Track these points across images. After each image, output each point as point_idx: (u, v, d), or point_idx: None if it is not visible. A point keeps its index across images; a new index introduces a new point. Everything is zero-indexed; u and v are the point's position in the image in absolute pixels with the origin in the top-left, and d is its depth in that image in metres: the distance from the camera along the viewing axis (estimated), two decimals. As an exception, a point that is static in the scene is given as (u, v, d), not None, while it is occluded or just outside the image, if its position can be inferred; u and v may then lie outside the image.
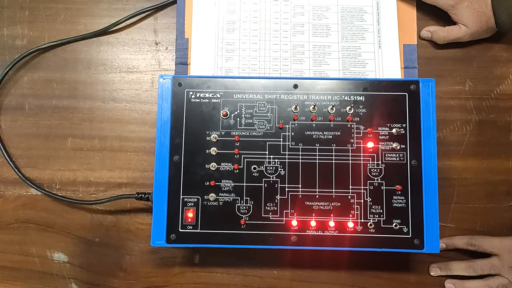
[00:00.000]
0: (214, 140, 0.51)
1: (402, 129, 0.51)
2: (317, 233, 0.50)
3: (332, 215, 0.50)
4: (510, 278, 0.52)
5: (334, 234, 0.49)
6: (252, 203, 0.50)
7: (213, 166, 0.50)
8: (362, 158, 0.51)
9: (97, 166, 0.58)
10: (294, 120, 0.51)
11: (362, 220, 0.50)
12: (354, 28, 0.59)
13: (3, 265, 0.56)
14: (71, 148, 0.58)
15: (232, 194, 0.50)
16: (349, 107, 0.51)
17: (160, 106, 0.52)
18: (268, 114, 0.51)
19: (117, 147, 0.58)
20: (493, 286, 0.52)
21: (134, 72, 0.60)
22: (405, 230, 0.49)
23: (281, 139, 0.51)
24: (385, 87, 0.51)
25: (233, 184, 0.50)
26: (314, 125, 0.51)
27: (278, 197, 0.50)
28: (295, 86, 0.52)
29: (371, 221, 0.49)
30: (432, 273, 0.55)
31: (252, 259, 0.56)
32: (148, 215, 0.56)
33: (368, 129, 0.51)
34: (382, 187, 0.50)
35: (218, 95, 0.52)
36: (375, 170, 0.50)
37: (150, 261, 0.56)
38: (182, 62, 0.58)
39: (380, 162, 0.50)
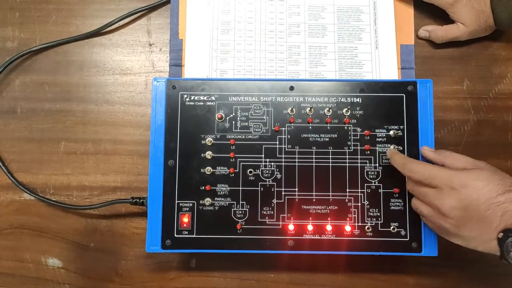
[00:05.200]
0: (209, 144, 0.50)
1: (399, 131, 0.50)
2: (314, 237, 0.49)
3: (329, 218, 0.49)
4: (435, 215, 0.43)
5: (332, 238, 0.49)
6: (248, 207, 0.49)
7: (208, 170, 0.50)
8: (359, 160, 0.50)
9: (91, 170, 0.57)
10: (290, 122, 0.51)
11: (360, 224, 0.49)
12: (351, 29, 0.58)
13: (-3, 271, 0.56)
14: (65, 152, 0.57)
15: (228, 199, 0.50)
16: (346, 109, 0.50)
17: (154, 109, 0.51)
18: (264, 117, 0.51)
19: (111, 150, 0.57)
20: (415, 205, 0.46)
21: (127, 74, 0.59)
22: (402, 233, 0.49)
23: (277, 142, 0.50)
24: (382, 88, 0.51)
25: (228, 188, 0.50)
26: (310, 127, 0.50)
27: (275, 201, 0.50)
28: (291, 88, 0.51)
29: (369, 224, 0.49)
30: (388, 156, 0.49)
31: (249, 263, 0.55)
32: (143, 219, 0.56)
33: (365, 131, 0.50)
34: (379, 190, 0.50)
35: (213, 98, 0.51)
36: (372, 173, 0.50)
37: (146, 266, 0.55)
38: (176, 63, 0.57)
39: (377, 164, 0.50)
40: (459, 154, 0.46)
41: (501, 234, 0.40)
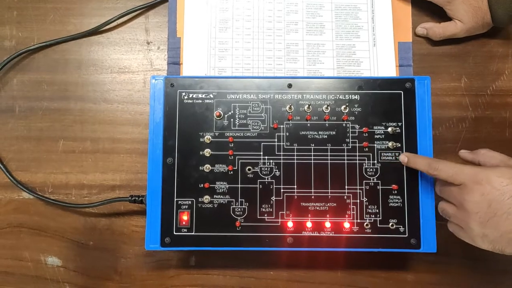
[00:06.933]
0: (208, 142, 0.50)
1: (397, 128, 0.50)
2: (313, 234, 0.49)
3: (328, 215, 0.49)
4: (459, 214, 0.44)
5: (330, 235, 0.49)
6: (247, 204, 0.50)
7: (207, 168, 0.50)
8: (357, 157, 0.50)
9: (90, 169, 0.57)
10: (289, 120, 0.51)
11: (358, 220, 0.49)
12: (349, 26, 0.58)
13: (-4, 270, 0.56)
14: (63, 151, 0.57)
15: (226, 196, 0.50)
16: (344, 106, 0.50)
17: (152, 107, 0.51)
18: (262, 114, 0.51)
19: (110, 149, 0.57)
20: (441, 207, 0.47)
21: (125, 72, 0.59)
22: (401, 229, 0.49)
23: (276, 140, 0.50)
24: (380, 85, 0.51)
25: (227, 185, 0.50)
26: (309, 125, 0.51)
27: (274, 198, 0.50)
28: (289, 86, 0.51)
29: (367, 221, 0.49)
30: (400, 160, 0.49)
31: (248, 260, 0.55)
32: (142, 217, 0.56)
33: (364, 128, 0.50)
34: (378, 187, 0.50)
35: (211, 96, 0.51)
36: (371, 170, 0.50)
37: (145, 264, 0.55)
38: (174, 61, 0.57)
39: (375, 161, 0.50)
40: (495, 152, 0.46)
41: None
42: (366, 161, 0.50)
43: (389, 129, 0.50)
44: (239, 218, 0.49)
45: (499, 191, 0.41)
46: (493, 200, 0.41)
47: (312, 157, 0.50)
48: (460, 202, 0.43)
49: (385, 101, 0.51)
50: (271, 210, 0.49)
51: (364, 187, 0.50)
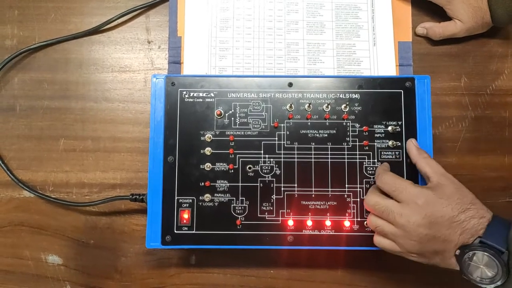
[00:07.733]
0: (209, 140, 0.50)
1: (397, 127, 0.50)
2: (314, 233, 0.49)
3: (328, 214, 0.50)
4: (398, 233, 0.43)
5: (331, 233, 0.49)
6: (248, 203, 0.50)
7: (207, 166, 0.50)
8: (358, 156, 0.50)
9: (91, 167, 0.57)
10: (289, 118, 0.51)
11: (359, 219, 0.49)
12: (349, 26, 0.58)
13: (-3, 268, 0.56)
14: (64, 150, 0.57)
15: (227, 195, 0.50)
16: (344, 105, 0.51)
17: (153, 106, 0.51)
18: (263, 113, 0.51)
19: (111, 147, 0.57)
20: (375, 223, 0.45)
21: (126, 71, 0.59)
22: (401, 228, 0.49)
23: (276, 138, 0.51)
24: (380, 84, 0.51)
25: (228, 184, 0.50)
26: (309, 123, 0.51)
27: (274, 196, 0.50)
28: (290, 85, 0.51)
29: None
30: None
31: (249, 259, 0.55)
32: (143, 216, 0.56)
33: (364, 127, 0.50)
34: (378, 186, 0.50)
35: (212, 95, 0.51)
36: (371, 168, 0.50)
37: (145, 262, 0.55)
38: (175, 61, 0.57)
39: (376, 160, 0.50)
40: (434, 161, 0.46)
41: (458, 251, 0.42)
42: (367, 160, 0.50)
43: (389, 128, 0.50)
44: (239, 216, 0.49)
45: (439, 213, 0.42)
46: (434, 222, 0.42)
47: (313, 156, 0.50)
48: (400, 223, 0.43)
49: (385, 100, 0.51)
50: (271, 208, 0.50)
51: (364, 185, 0.50)
